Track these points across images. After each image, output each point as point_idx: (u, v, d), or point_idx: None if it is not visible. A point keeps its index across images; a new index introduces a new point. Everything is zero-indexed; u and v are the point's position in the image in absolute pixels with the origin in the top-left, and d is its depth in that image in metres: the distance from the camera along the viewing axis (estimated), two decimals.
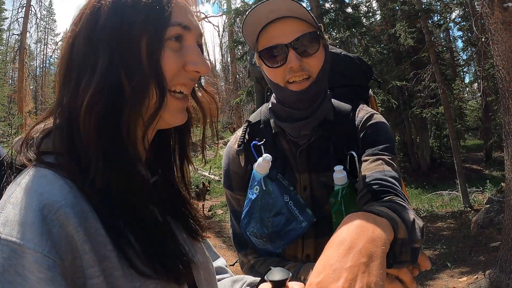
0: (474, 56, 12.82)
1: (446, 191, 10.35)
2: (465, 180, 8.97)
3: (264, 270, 0.82)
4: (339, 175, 1.17)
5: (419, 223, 0.89)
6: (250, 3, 10.18)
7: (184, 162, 0.88)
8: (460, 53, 15.25)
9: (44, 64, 34.84)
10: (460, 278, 4.85)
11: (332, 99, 1.31)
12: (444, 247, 6.11)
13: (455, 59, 14.70)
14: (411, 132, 14.78)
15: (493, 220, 6.12)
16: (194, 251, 0.82)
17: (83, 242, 0.58)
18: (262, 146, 1.26)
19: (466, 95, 12.85)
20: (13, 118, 21.70)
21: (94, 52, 0.66)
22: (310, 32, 1.17)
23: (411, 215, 0.89)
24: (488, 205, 6.68)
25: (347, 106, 1.31)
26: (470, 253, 5.56)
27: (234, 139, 1.36)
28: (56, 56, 33.26)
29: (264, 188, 1.20)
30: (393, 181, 1.11)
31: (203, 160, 0.91)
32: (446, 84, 9.52)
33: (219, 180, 13.42)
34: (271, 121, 1.31)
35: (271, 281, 0.78)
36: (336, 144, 1.26)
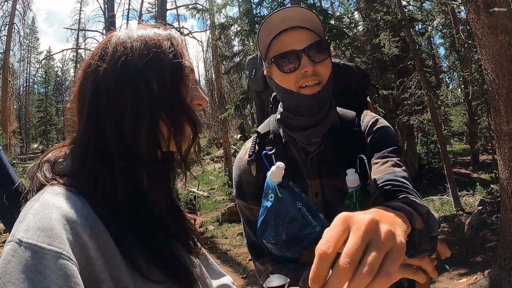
0: (457, 62, 13.18)
1: (437, 196, 10.46)
2: (456, 184, 9.11)
3: (265, 279, 0.84)
4: (352, 177, 1.21)
5: (434, 214, 0.92)
6: (235, 17, 10.30)
7: (174, 177, 0.94)
8: (443, 59, 15.63)
9: (27, 83, 34.41)
10: (460, 279, 4.89)
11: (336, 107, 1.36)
12: None
13: (438, 66, 15.05)
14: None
15: (487, 221, 6.21)
16: (191, 264, 0.86)
17: (96, 250, 0.64)
18: (273, 155, 1.29)
19: (450, 100, 13.11)
20: None
21: (128, 86, 0.76)
22: (321, 40, 1.23)
23: (425, 207, 0.91)
24: (480, 207, 6.78)
25: (351, 113, 1.36)
26: (467, 254, 5.61)
27: (244, 151, 1.40)
28: (39, 74, 32.90)
29: (280, 196, 1.22)
30: (405, 181, 1.15)
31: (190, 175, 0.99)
32: (432, 90, 9.71)
33: (208, 196, 13.35)
34: (280, 130, 1.34)
35: None
36: (344, 149, 1.29)
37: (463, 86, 14.02)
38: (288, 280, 0.82)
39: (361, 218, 0.58)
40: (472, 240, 5.92)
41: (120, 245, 0.68)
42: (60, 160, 0.78)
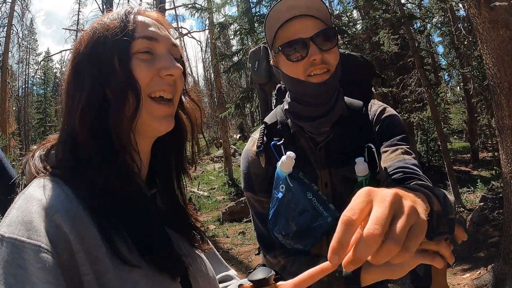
0: (456, 60, 13.19)
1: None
2: (456, 181, 9.10)
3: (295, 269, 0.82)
4: (361, 166, 1.21)
5: (450, 197, 0.91)
6: (234, 16, 10.28)
7: (180, 173, 0.96)
8: (441, 57, 15.64)
9: (26, 85, 34.36)
10: (463, 275, 4.89)
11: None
12: None
13: (437, 63, 15.06)
14: None
15: (488, 217, 6.21)
16: (192, 259, 0.86)
17: (76, 243, 0.65)
18: (282, 146, 1.28)
19: (449, 98, 13.11)
20: None
21: (81, 76, 0.79)
22: (329, 27, 1.22)
23: (441, 191, 0.91)
24: (482, 203, 6.78)
25: (358, 102, 1.36)
26: (469, 250, 5.61)
27: (251, 142, 1.38)
28: (38, 76, 32.85)
29: (292, 186, 1.21)
30: (415, 168, 1.15)
31: (194, 168, 1.02)
32: (432, 88, 9.71)
33: (208, 196, 13.33)
34: (288, 121, 1.33)
35: (251, 281, 0.80)
36: (352, 139, 1.29)
37: (462, 83, 14.02)
38: (273, 272, 0.81)
39: (385, 191, 0.57)
40: (474, 236, 5.91)
41: (103, 234, 0.69)
42: (52, 150, 0.80)
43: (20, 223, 0.62)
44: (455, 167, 13.21)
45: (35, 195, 0.67)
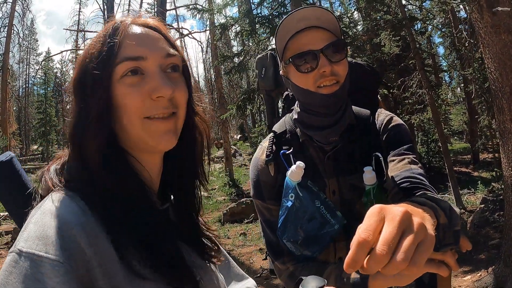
0: (456, 61, 13.19)
1: (438, 195, 10.44)
2: (457, 182, 9.12)
3: (298, 279, 0.84)
4: (369, 175, 1.23)
5: (456, 209, 0.94)
6: (236, 17, 10.29)
7: (194, 183, 0.95)
8: (441, 59, 15.63)
9: (26, 85, 34.36)
10: (464, 277, 4.91)
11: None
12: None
13: (438, 65, 15.07)
14: None
15: (489, 219, 6.22)
16: (203, 271, 0.87)
17: (92, 258, 0.65)
18: (291, 155, 1.30)
19: (450, 99, 13.12)
20: None
21: (75, 97, 0.79)
22: (339, 39, 1.24)
23: (447, 203, 0.94)
24: (482, 205, 6.79)
25: (365, 111, 1.39)
26: (470, 252, 5.62)
27: (260, 151, 1.40)
28: (39, 76, 32.84)
29: (301, 195, 1.23)
30: (422, 178, 1.17)
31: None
32: (432, 89, 9.73)
33: (209, 197, 13.33)
34: (297, 130, 1.35)
35: None
36: (360, 148, 1.31)
37: (462, 85, 14.03)
38: (326, 282, 0.83)
39: (396, 209, 0.61)
40: (475, 238, 5.93)
41: (117, 249, 0.69)
42: (66, 164, 0.80)
43: (38, 238, 0.63)
44: (455, 168, 13.23)
45: (52, 210, 0.68)
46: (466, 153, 16.99)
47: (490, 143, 12.60)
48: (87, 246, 0.66)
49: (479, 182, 9.84)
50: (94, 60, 0.76)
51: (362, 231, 0.59)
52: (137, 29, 0.79)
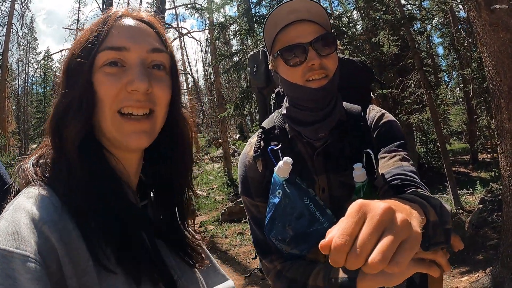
0: (455, 61, 13.19)
1: (437, 195, 10.44)
2: (456, 183, 9.10)
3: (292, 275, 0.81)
4: (359, 172, 1.20)
5: (447, 207, 0.91)
6: (234, 16, 10.27)
7: (183, 188, 0.93)
8: (441, 58, 15.64)
9: (26, 84, 34.37)
10: (461, 277, 4.89)
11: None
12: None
13: (437, 65, 15.06)
14: None
15: (487, 220, 6.19)
16: (181, 272, 0.85)
17: (63, 255, 0.64)
18: (279, 151, 1.27)
19: (449, 99, 13.12)
20: None
21: (59, 86, 0.79)
22: (328, 32, 1.21)
23: (437, 200, 0.91)
24: (481, 205, 6.77)
25: (356, 107, 1.36)
26: (468, 253, 5.60)
27: (249, 147, 1.37)
28: (38, 75, 32.85)
29: (288, 191, 1.20)
30: (413, 175, 1.15)
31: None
32: (431, 89, 9.70)
33: (208, 196, 13.33)
34: (286, 126, 1.32)
35: None
36: (351, 144, 1.28)
37: (461, 85, 14.02)
38: None
39: (377, 206, 0.58)
40: (473, 238, 5.90)
41: (90, 246, 0.68)
42: (42, 158, 0.78)
43: (9, 233, 0.62)
44: (454, 169, 13.21)
45: (24, 206, 0.67)
46: (465, 153, 16.99)
47: (489, 144, 12.60)
48: (58, 243, 0.64)
49: (478, 182, 9.83)
50: (80, 48, 0.77)
51: (337, 236, 0.56)
52: (128, 21, 0.79)
